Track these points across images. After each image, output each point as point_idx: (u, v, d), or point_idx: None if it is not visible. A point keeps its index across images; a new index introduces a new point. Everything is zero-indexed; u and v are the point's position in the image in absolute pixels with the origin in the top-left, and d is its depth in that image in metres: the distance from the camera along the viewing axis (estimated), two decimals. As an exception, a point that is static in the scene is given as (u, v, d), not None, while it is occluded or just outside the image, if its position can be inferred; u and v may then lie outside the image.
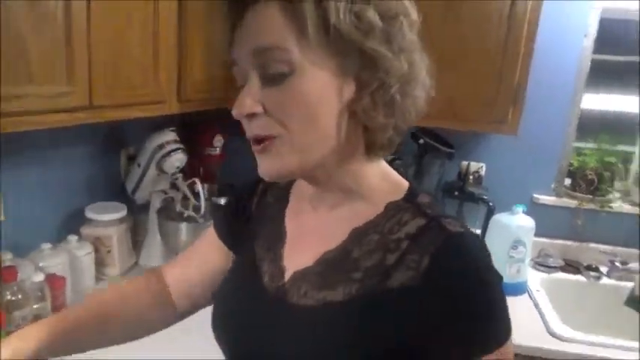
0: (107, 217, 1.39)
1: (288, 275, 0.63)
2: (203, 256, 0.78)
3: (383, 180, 0.62)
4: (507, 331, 0.55)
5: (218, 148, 1.71)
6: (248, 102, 0.54)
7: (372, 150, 0.59)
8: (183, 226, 1.44)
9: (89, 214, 1.38)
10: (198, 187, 1.45)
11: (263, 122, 0.55)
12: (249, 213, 0.73)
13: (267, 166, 0.57)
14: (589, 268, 1.74)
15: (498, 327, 0.55)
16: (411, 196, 0.60)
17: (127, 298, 0.75)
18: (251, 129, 0.56)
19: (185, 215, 1.49)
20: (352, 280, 0.58)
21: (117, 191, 1.55)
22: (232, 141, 1.76)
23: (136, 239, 1.57)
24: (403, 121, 0.58)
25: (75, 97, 0.93)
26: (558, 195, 1.85)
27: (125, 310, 0.74)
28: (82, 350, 0.71)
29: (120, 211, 1.41)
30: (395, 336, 0.55)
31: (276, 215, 0.69)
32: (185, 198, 1.49)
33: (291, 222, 0.67)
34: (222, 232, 0.76)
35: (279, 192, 0.71)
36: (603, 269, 1.73)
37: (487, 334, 0.54)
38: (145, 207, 1.57)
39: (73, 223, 1.38)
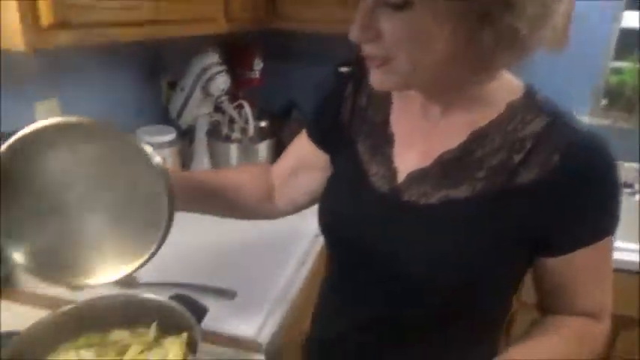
0: (158, 139, 1.40)
1: (402, 176, 0.66)
2: (300, 161, 0.81)
3: (499, 80, 0.62)
4: (616, 225, 0.60)
5: (257, 72, 1.70)
6: (364, 27, 0.55)
7: (487, 71, 0.60)
8: (234, 147, 1.46)
9: (141, 137, 1.40)
10: (247, 108, 1.45)
11: (377, 46, 0.55)
12: (343, 119, 0.74)
13: (378, 79, 0.59)
14: (624, 185, 1.78)
15: (614, 220, 0.60)
16: (529, 94, 0.61)
17: (242, 185, 0.81)
18: (365, 49, 0.57)
19: (232, 137, 1.50)
20: (476, 179, 0.60)
21: (160, 117, 1.56)
22: (269, 65, 1.75)
23: (182, 164, 1.59)
24: (523, 56, 0.56)
25: (144, 11, 0.92)
26: (595, 114, 1.85)
27: (237, 197, 0.80)
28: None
29: (170, 134, 1.43)
30: (519, 230, 0.59)
31: (378, 119, 0.71)
32: (231, 120, 1.50)
33: (399, 125, 0.69)
34: (317, 138, 0.78)
35: (378, 95, 0.72)
36: (637, 186, 1.78)
37: (606, 225, 0.59)
38: (189, 132, 1.58)
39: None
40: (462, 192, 0.60)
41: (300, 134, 0.82)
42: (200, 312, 0.72)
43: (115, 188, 0.62)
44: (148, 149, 0.60)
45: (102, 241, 0.65)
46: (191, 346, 0.69)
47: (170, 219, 0.62)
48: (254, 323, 0.88)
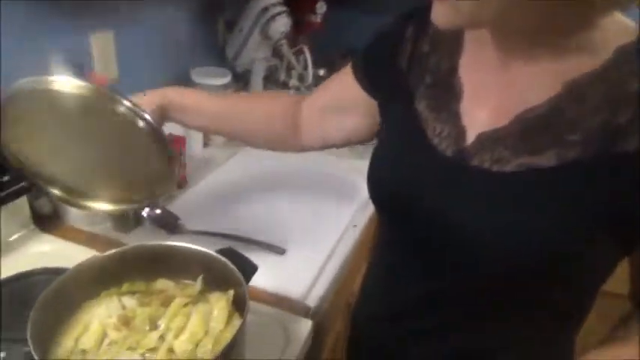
0: (212, 81, 1.34)
1: (470, 137, 0.55)
2: (340, 101, 0.74)
3: (604, 20, 0.49)
4: None
5: (319, 16, 1.58)
6: None
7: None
8: (290, 94, 1.38)
9: (195, 78, 1.34)
10: (307, 54, 1.36)
11: None
12: (401, 64, 0.63)
13: (441, 13, 0.48)
14: None
15: None
16: None
17: (271, 113, 0.81)
18: None
19: (289, 84, 1.42)
20: (567, 144, 0.49)
21: (215, 58, 1.49)
22: (333, 10, 1.63)
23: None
24: None
25: None
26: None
27: (264, 124, 0.80)
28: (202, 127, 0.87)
29: (225, 77, 1.36)
30: (621, 207, 0.48)
31: (444, 67, 0.59)
32: (290, 67, 1.41)
33: (469, 75, 0.58)
34: (366, 81, 0.69)
35: (445, 40, 0.60)
36: None
37: None
38: (245, 76, 1.51)
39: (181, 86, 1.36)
40: (547, 159, 0.50)
41: (342, 71, 0.73)
42: (249, 270, 0.66)
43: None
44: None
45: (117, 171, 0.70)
46: (237, 305, 0.64)
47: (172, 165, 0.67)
48: (302, 284, 0.83)
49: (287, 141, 0.83)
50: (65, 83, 0.59)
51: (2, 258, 0.83)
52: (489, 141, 0.54)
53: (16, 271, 0.80)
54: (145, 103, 0.74)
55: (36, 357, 0.50)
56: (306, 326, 0.74)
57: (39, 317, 0.56)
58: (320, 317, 0.81)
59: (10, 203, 0.82)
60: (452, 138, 0.56)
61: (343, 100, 0.75)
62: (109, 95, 0.61)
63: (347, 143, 0.79)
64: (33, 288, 0.76)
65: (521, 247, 0.51)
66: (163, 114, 0.78)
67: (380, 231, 0.72)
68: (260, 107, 0.82)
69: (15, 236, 0.87)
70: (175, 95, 0.78)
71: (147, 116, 0.62)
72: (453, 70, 0.59)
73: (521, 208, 0.51)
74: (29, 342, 0.51)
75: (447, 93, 0.58)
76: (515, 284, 0.55)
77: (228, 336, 0.61)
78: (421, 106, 0.60)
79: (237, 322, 0.63)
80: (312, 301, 0.80)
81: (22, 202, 0.87)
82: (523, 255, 0.52)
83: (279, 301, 0.78)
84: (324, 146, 0.82)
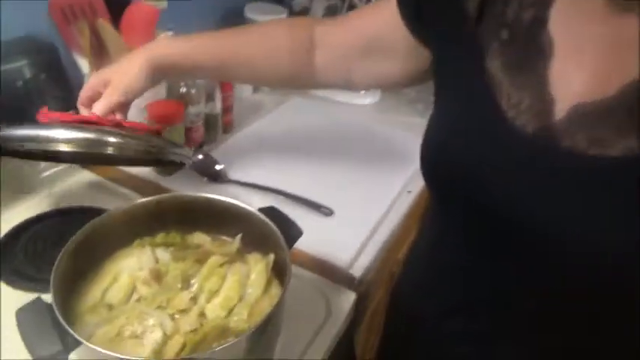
0: (267, 18, 1.24)
1: (561, 110, 0.44)
2: (376, 42, 0.64)
3: None
4: None
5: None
6: None
7: None
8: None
9: (249, 14, 1.25)
10: (372, -5, 1.23)
11: None
12: (468, 8, 0.50)
13: None
14: None
15: None
16: None
17: (279, 58, 0.71)
18: None
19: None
20: None
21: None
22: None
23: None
24: None
25: None
26: None
27: (271, 71, 0.72)
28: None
29: (280, 14, 1.26)
30: None
31: (527, 18, 0.47)
32: (352, 6, 1.29)
33: (563, 28, 0.45)
34: (419, 24, 0.58)
35: None
36: None
37: None
38: (303, 13, 1.40)
39: (233, 24, 1.27)
40: None
41: (377, 4, 0.63)
42: (294, 234, 0.60)
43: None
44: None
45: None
46: (276, 270, 0.58)
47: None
48: (348, 251, 0.76)
49: (299, 82, 0.75)
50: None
51: (40, 193, 0.81)
52: (587, 116, 0.42)
53: (54, 207, 0.77)
54: (133, 66, 0.65)
55: (55, 307, 0.45)
56: (349, 299, 0.67)
57: (65, 263, 0.52)
58: (363, 288, 0.74)
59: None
60: (534, 110, 0.45)
61: (378, 41, 0.64)
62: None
63: (374, 87, 0.70)
64: (70, 225, 0.72)
65: (622, 252, 0.42)
66: (155, 76, 0.67)
67: (431, 208, 0.63)
68: (265, 51, 0.71)
69: (51, 171, 0.84)
70: (167, 53, 0.68)
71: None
72: (541, 21, 0.46)
73: (627, 203, 0.41)
74: (51, 290, 0.47)
75: (531, 51, 0.46)
76: (602, 287, 0.46)
77: (264, 305, 0.55)
78: (494, 65, 0.48)
79: (275, 290, 0.57)
80: (357, 271, 0.73)
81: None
82: (621, 260, 0.42)
83: (322, 267, 0.71)
84: (346, 88, 0.74)
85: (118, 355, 0.43)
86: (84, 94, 0.66)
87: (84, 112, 0.66)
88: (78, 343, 0.44)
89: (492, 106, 0.47)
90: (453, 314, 0.58)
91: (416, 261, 0.67)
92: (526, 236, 0.47)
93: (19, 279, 0.64)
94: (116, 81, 0.65)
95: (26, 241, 0.69)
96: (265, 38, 0.71)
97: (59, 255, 0.51)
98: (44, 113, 0.62)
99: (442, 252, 0.60)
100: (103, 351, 0.43)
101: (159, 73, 0.67)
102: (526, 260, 0.48)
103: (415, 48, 0.60)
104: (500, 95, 0.46)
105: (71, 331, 0.43)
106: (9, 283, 0.63)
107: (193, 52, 0.69)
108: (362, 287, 0.73)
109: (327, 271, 0.71)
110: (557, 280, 0.48)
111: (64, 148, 0.56)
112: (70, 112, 0.66)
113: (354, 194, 0.88)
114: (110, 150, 0.57)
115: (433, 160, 0.53)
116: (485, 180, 0.48)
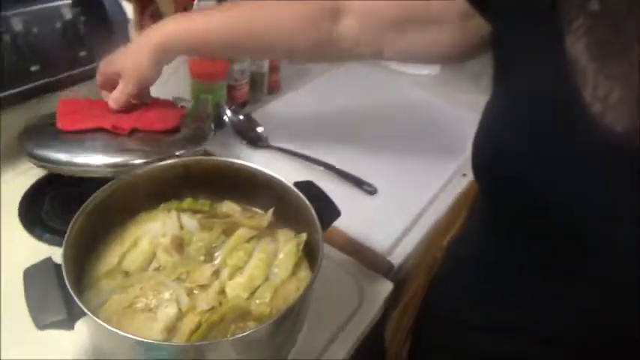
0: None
1: None
2: (418, 13, 0.56)
3: None
4: None
5: None
6: None
7: None
8: None
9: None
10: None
11: None
12: None
13: None
14: None
15: None
16: None
17: (298, 31, 0.63)
18: None
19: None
20: None
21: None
22: None
23: None
24: None
25: None
26: None
27: (290, 47, 0.65)
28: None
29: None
30: None
31: None
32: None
33: None
34: None
35: None
36: None
37: None
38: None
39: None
40: None
41: None
42: (331, 215, 0.54)
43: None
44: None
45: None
46: (308, 251, 0.53)
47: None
48: (389, 235, 0.69)
49: (322, 55, 0.67)
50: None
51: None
52: None
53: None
54: (143, 55, 0.62)
55: (64, 269, 0.42)
56: (384, 289, 0.61)
57: (82, 222, 0.48)
58: (400, 277, 0.68)
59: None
60: (627, 104, 0.36)
61: (421, 8, 0.56)
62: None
63: (408, 62, 0.62)
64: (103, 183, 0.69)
65: None
66: (168, 59, 0.64)
67: (479, 203, 0.55)
68: (281, 21, 0.63)
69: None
70: (175, 36, 0.63)
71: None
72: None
73: None
74: (62, 251, 0.43)
75: (629, 29, 0.37)
76: None
77: (289, 289, 0.50)
78: (577, 47, 0.38)
79: (303, 273, 0.52)
80: (396, 258, 0.67)
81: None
82: None
83: (358, 251, 0.65)
84: (379, 59, 0.66)
85: (124, 334, 0.39)
86: (98, 79, 0.67)
87: (104, 95, 0.66)
88: (84, 313, 0.40)
89: (572, 97, 0.38)
90: (496, 327, 0.51)
91: (460, 257, 0.60)
92: (591, 252, 0.39)
93: (42, 230, 0.62)
94: (128, 74, 0.63)
95: (55, 192, 0.66)
96: (281, 6, 0.63)
97: (76, 213, 0.48)
98: (65, 102, 0.66)
99: (489, 255, 0.52)
100: (109, 327, 0.39)
101: (171, 56, 0.64)
102: (589, 278, 0.41)
103: (467, 18, 0.51)
104: (583, 84, 0.38)
105: (76, 299, 0.40)
106: (31, 232, 0.61)
107: (202, 31, 0.63)
108: (399, 276, 0.67)
109: (363, 255, 0.65)
110: (623, 306, 0.40)
111: (94, 174, 0.59)
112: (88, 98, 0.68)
113: (401, 173, 0.80)
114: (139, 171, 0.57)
115: (488, 156, 0.45)
116: (550, 183, 0.40)
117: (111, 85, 0.65)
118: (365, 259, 0.64)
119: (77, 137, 0.62)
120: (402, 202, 0.75)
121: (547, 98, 0.40)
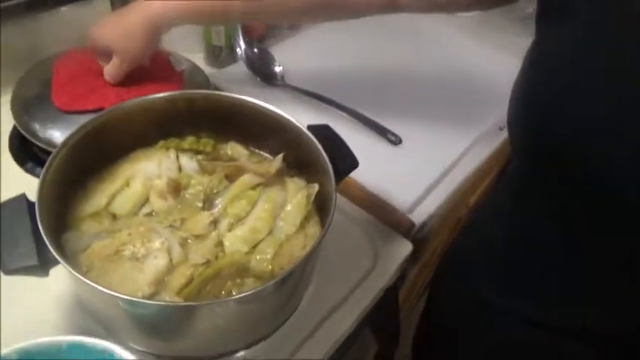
0: None
1: None
2: None
3: None
4: None
5: None
6: None
7: None
8: None
9: None
10: None
11: None
12: None
13: None
14: None
15: None
16: None
17: None
18: None
19: None
20: None
21: None
22: None
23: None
24: None
25: None
26: None
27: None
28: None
29: None
30: None
31: None
32: None
33: None
34: None
35: None
36: None
37: None
38: None
39: None
40: None
41: None
42: (347, 164, 0.47)
43: None
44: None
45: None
46: (319, 204, 0.47)
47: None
48: (412, 191, 0.63)
49: (327, 12, 0.58)
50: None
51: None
52: None
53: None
54: (135, 31, 0.54)
55: (37, 209, 0.36)
56: (403, 250, 0.55)
57: (66, 156, 0.43)
58: (420, 237, 0.62)
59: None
60: None
61: None
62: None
63: (425, 12, 0.56)
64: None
65: None
66: (162, 31, 0.56)
67: (514, 168, 0.48)
68: None
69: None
70: (166, 9, 0.54)
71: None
72: None
73: None
74: (37, 188, 0.38)
75: None
76: None
77: (295, 246, 0.45)
78: None
79: (312, 229, 0.46)
80: (418, 217, 0.60)
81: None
82: None
83: (376, 206, 0.59)
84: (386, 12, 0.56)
85: (101, 288, 0.34)
86: (91, 47, 0.58)
87: (100, 60, 0.59)
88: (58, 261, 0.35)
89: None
90: (522, 300, 0.45)
91: (487, 221, 0.53)
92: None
93: (34, 164, 0.57)
94: (121, 50, 0.55)
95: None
96: None
97: (58, 145, 0.42)
98: (60, 65, 0.60)
99: (521, 222, 0.45)
100: (83, 279, 0.34)
101: (164, 28, 0.56)
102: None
103: None
104: None
105: (48, 243, 0.35)
106: (22, 165, 0.56)
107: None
108: (420, 236, 0.61)
109: (381, 211, 0.59)
110: None
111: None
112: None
113: (430, 123, 0.72)
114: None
115: (531, 118, 0.37)
116: (609, 156, 0.33)
117: (106, 54, 0.57)
118: (383, 215, 0.58)
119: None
120: (428, 155, 0.67)
121: (601, 53, 0.33)
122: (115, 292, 0.34)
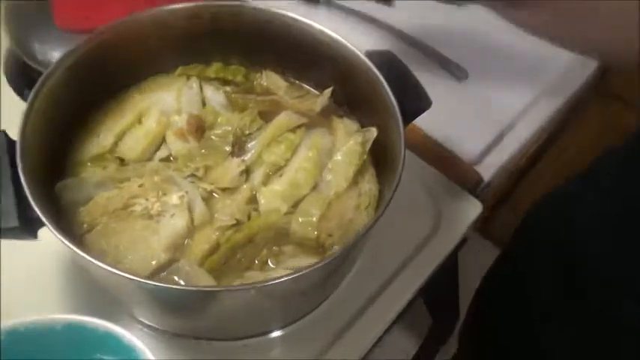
0: None
1: None
2: None
3: None
4: None
5: None
6: None
7: None
8: None
9: None
10: None
11: None
12: None
13: None
14: None
15: None
16: None
17: None
18: None
19: None
20: None
21: None
22: None
23: None
24: None
25: None
26: None
27: None
28: None
29: None
30: None
31: None
32: None
33: None
34: None
35: None
36: None
37: None
38: None
39: None
40: None
41: None
42: (417, 103, 0.37)
43: None
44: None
45: None
46: (376, 155, 0.37)
47: None
48: (479, 139, 0.52)
49: None
50: None
51: None
52: None
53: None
54: None
55: (18, 151, 0.28)
56: (471, 210, 0.46)
57: (58, 83, 0.33)
58: (489, 194, 0.52)
59: None
60: None
61: None
62: None
63: None
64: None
65: None
66: None
67: None
68: None
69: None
70: None
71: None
72: None
73: None
74: (19, 125, 0.29)
75: None
76: None
77: (346, 205, 0.36)
78: None
79: (368, 185, 0.37)
80: (487, 169, 0.50)
81: None
82: None
83: (438, 156, 0.49)
84: None
85: (98, 262, 0.25)
86: None
87: None
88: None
89: None
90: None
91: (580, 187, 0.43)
92: None
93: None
94: None
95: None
96: None
97: (49, 67, 0.33)
98: None
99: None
100: (77, 250, 0.25)
101: None
102: None
103: None
104: None
105: (29, 195, 0.26)
106: (21, 94, 0.48)
107: None
108: (488, 193, 0.51)
109: (446, 163, 0.48)
110: None
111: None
112: None
113: (504, 55, 0.60)
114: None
115: None
116: None
117: None
118: (447, 168, 0.48)
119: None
120: (500, 93, 0.55)
121: None
122: (124, 271, 0.26)
